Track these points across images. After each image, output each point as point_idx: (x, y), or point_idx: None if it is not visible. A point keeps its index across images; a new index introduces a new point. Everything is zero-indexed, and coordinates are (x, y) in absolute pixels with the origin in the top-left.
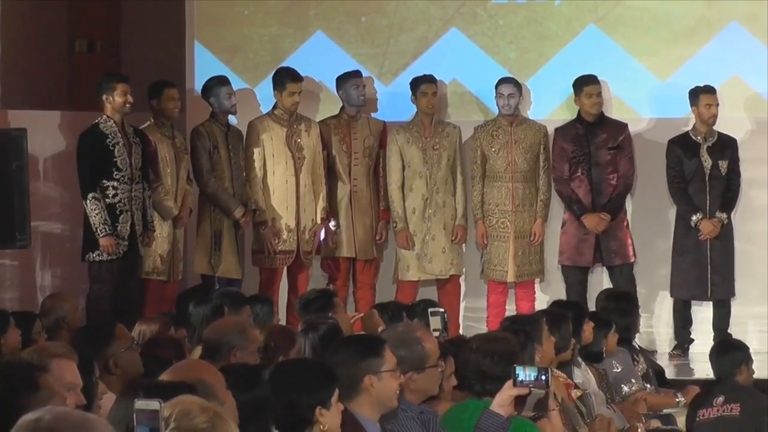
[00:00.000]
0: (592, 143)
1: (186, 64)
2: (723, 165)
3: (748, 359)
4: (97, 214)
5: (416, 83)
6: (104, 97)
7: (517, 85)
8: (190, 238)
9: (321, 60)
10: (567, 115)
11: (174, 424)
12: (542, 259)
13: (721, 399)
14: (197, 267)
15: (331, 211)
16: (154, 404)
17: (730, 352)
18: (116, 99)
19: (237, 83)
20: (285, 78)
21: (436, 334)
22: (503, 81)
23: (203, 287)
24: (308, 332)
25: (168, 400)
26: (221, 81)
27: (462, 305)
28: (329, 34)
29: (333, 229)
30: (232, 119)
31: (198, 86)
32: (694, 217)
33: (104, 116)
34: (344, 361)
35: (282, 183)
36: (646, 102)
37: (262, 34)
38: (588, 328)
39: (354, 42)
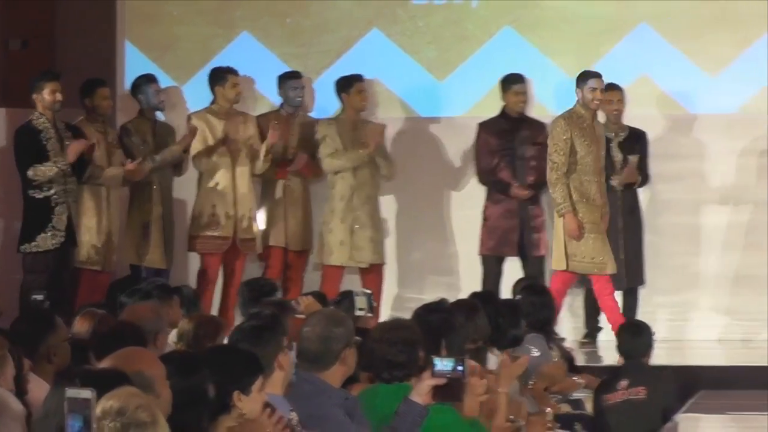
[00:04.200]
0: (517, 138)
1: (117, 62)
2: (633, 158)
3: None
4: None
5: (348, 82)
6: (34, 95)
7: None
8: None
9: (247, 59)
10: (484, 112)
11: (125, 417)
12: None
13: (625, 383)
14: (125, 257)
15: (265, 202)
16: (86, 393)
17: (643, 333)
18: (45, 97)
19: (166, 81)
20: (225, 72)
21: (362, 313)
22: (593, 75)
23: (134, 278)
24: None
25: (103, 388)
26: (149, 78)
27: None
28: (255, 34)
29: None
30: (159, 115)
31: (129, 84)
32: (614, 181)
33: (36, 113)
34: (253, 348)
35: (220, 174)
36: (558, 100)
37: (190, 33)
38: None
39: (279, 42)
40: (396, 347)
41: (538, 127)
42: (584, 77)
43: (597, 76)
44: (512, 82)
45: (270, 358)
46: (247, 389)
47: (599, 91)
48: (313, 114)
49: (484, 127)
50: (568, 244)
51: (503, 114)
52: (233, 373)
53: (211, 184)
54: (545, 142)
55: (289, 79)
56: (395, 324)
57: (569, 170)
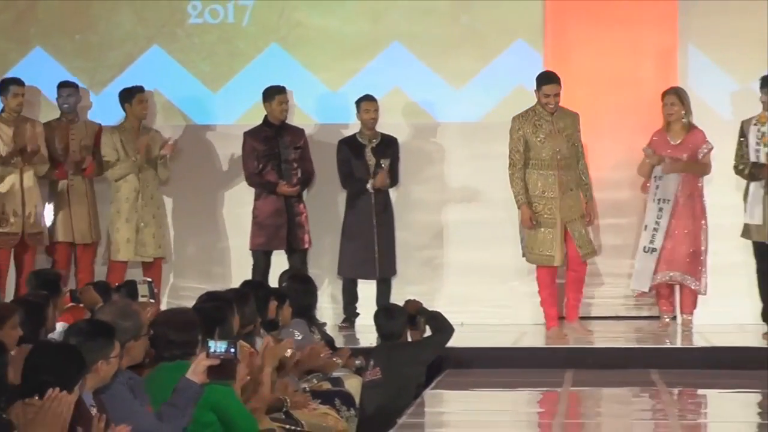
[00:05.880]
0: (281, 143)
1: None
2: (385, 163)
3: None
4: None
5: (130, 93)
6: None
7: (560, 83)
8: None
9: (40, 72)
10: (253, 120)
11: None
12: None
13: (372, 362)
14: None
15: (51, 200)
16: None
17: (396, 316)
18: None
19: None
20: (9, 83)
21: (145, 300)
22: (548, 80)
23: None
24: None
25: None
26: None
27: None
28: (47, 49)
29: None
30: None
31: None
32: (368, 184)
33: None
34: (80, 346)
35: (9, 175)
36: (319, 109)
37: None
38: (272, 305)
39: (69, 56)
40: (175, 329)
41: (298, 133)
42: (539, 82)
43: (550, 81)
44: (275, 93)
45: (91, 359)
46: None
47: (552, 96)
48: (99, 121)
49: (250, 134)
50: (526, 237)
51: (266, 122)
52: (72, 374)
53: (3, 184)
54: (305, 146)
55: (60, 88)
56: (177, 309)
57: (526, 165)
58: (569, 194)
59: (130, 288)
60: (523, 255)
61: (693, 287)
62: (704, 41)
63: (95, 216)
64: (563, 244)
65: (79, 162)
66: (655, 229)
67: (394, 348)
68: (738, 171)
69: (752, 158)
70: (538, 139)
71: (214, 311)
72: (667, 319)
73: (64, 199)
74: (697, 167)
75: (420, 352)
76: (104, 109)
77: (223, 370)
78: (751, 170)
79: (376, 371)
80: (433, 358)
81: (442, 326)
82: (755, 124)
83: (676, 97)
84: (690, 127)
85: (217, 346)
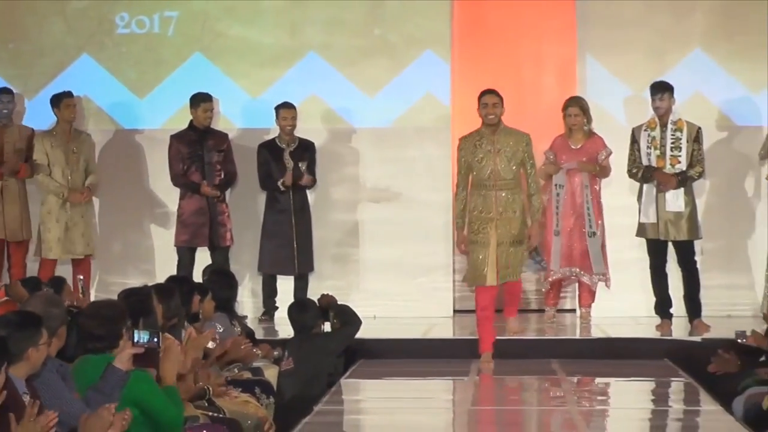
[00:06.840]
0: (205, 147)
1: None
2: (303, 165)
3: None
4: None
5: (58, 98)
6: None
7: (499, 96)
8: None
9: None
10: (177, 124)
11: None
12: (522, 260)
13: (285, 353)
14: None
15: None
16: None
17: (308, 309)
18: None
19: None
20: None
21: (82, 297)
22: (486, 92)
23: None
24: None
25: None
26: None
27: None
28: None
29: None
30: None
31: None
32: (279, 183)
33: None
34: (9, 336)
35: None
36: (240, 115)
37: None
38: (196, 300)
39: (3, 64)
40: (97, 321)
41: (221, 137)
42: (480, 94)
43: (487, 92)
44: (201, 100)
45: (22, 347)
46: None
47: (490, 106)
48: (32, 126)
49: (176, 138)
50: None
51: (191, 126)
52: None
53: None
54: (228, 150)
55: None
56: (101, 303)
57: (473, 185)
58: (511, 217)
59: (57, 284)
60: (463, 280)
61: (588, 283)
62: (601, 52)
63: (27, 215)
64: (495, 264)
65: (13, 165)
66: (557, 213)
67: (305, 340)
68: (632, 174)
69: (644, 162)
70: (476, 158)
71: (137, 305)
72: (552, 312)
73: None
74: (598, 169)
75: (328, 343)
76: (37, 115)
77: (146, 358)
78: (643, 173)
79: (289, 361)
80: (341, 348)
81: (350, 319)
82: (645, 130)
83: (579, 108)
84: (590, 134)
85: (141, 335)
